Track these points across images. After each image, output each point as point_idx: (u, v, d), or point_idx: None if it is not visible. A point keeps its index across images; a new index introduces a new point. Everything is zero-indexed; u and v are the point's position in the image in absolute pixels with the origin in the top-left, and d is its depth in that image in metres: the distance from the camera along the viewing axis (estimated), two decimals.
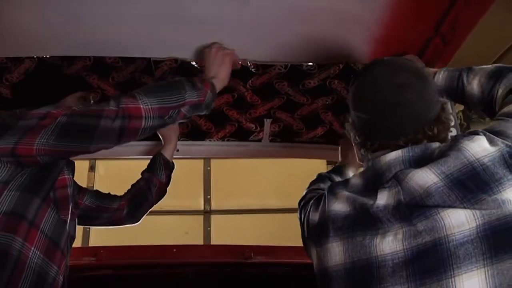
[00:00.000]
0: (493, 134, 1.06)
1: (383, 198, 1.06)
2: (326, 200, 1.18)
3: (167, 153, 1.95)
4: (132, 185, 1.93)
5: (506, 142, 1.02)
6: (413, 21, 1.49)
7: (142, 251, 2.20)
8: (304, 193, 1.53)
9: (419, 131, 1.13)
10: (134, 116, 1.27)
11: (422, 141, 1.12)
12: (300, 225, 1.32)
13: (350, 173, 1.81)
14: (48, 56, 1.63)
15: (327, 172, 1.82)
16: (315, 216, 1.21)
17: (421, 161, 1.07)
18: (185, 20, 1.48)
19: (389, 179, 1.08)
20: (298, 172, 5.24)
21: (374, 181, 1.12)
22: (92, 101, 1.71)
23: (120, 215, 1.83)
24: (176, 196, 5.44)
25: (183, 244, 2.13)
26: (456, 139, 1.07)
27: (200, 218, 5.60)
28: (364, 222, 1.07)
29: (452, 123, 1.64)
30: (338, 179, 1.78)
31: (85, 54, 1.65)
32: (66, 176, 1.34)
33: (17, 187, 1.20)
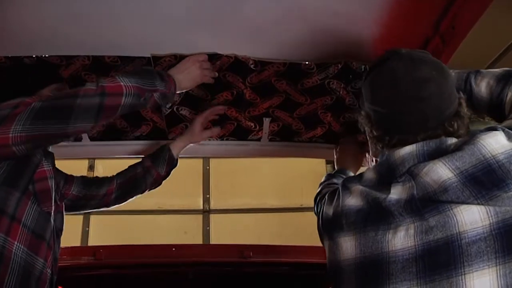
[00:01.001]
0: (510, 129, 1.04)
1: (396, 193, 1.05)
2: (340, 194, 1.17)
3: (175, 149, 1.93)
4: (129, 168, 1.89)
5: None
6: (412, 20, 1.49)
7: (141, 250, 2.20)
8: (319, 189, 1.54)
9: (439, 127, 1.11)
10: (114, 93, 1.29)
11: (441, 136, 1.10)
12: (317, 219, 1.31)
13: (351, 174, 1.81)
14: (47, 55, 1.63)
15: (335, 172, 1.82)
16: (329, 210, 1.20)
17: (435, 155, 1.05)
18: (185, 19, 1.48)
19: (402, 174, 1.07)
20: (297, 171, 5.27)
21: (387, 175, 1.10)
22: None
23: (108, 200, 1.81)
24: (175, 196, 5.46)
25: (182, 243, 2.13)
26: (472, 134, 1.05)
27: (199, 217, 5.61)
28: (377, 216, 1.06)
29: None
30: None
31: (84, 54, 1.64)
32: (45, 168, 1.33)
33: None
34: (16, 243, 1.19)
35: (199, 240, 5.45)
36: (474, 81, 1.29)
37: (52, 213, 1.34)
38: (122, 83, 1.31)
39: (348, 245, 1.10)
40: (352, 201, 1.13)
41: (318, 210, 1.31)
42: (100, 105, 1.26)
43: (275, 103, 1.94)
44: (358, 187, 1.14)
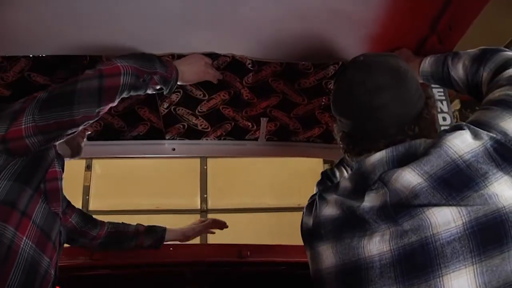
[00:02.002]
0: (478, 126, 1.03)
1: (369, 200, 1.05)
2: (317, 204, 1.18)
3: (169, 235, 2.05)
4: (122, 223, 1.98)
5: (491, 134, 1.00)
6: (409, 20, 1.49)
7: (139, 250, 2.19)
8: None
9: (399, 132, 1.11)
10: (112, 74, 1.31)
11: (404, 141, 1.10)
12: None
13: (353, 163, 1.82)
14: (44, 55, 1.63)
15: (334, 166, 1.83)
16: (309, 220, 1.21)
17: (405, 160, 1.05)
18: (182, 18, 1.47)
19: (375, 181, 1.07)
20: (294, 171, 5.27)
21: (361, 183, 1.10)
22: None
23: (94, 244, 1.87)
24: (173, 195, 5.46)
25: (180, 243, 2.13)
26: (439, 136, 1.05)
27: (197, 217, 5.60)
28: (352, 224, 1.06)
29: (448, 122, 1.65)
30: (342, 172, 1.81)
31: (81, 53, 1.64)
32: (56, 169, 1.35)
33: (8, 177, 1.22)
34: (24, 238, 1.20)
35: (196, 240, 5.44)
36: (451, 63, 1.29)
37: (60, 214, 1.35)
38: (119, 64, 1.33)
39: (327, 254, 1.10)
40: (329, 210, 1.13)
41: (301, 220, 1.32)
42: (100, 87, 1.29)
43: (272, 103, 1.95)
44: (333, 197, 1.15)
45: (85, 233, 1.81)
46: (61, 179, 1.38)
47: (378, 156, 1.09)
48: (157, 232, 2.01)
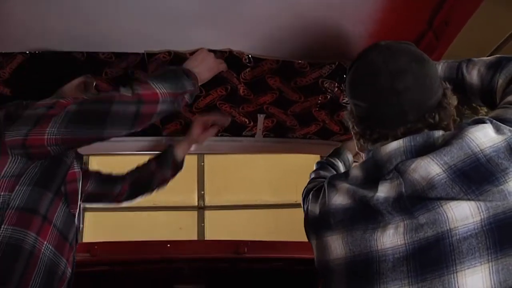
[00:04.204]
0: (500, 121, 1.01)
1: (384, 190, 1.02)
2: (326, 192, 1.15)
3: (179, 153, 1.95)
4: (137, 169, 1.92)
5: None
6: (405, 16, 1.49)
7: (136, 246, 2.20)
8: (307, 183, 1.50)
9: (420, 119, 1.08)
10: (150, 101, 1.29)
11: (423, 130, 1.07)
12: (304, 215, 1.28)
13: (349, 155, 1.80)
14: (40, 52, 1.62)
15: (327, 157, 1.82)
16: (315, 208, 1.17)
17: (423, 151, 1.02)
18: (179, 15, 1.47)
19: (390, 171, 1.04)
20: (292, 167, 5.27)
21: (374, 172, 1.07)
22: (94, 84, 1.63)
23: (120, 199, 1.84)
24: (170, 192, 5.42)
25: (177, 239, 2.13)
26: (460, 127, 1.03)
27: (194, 213, 5.61)
28: (365, 215, 1.04)
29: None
30: (338, 163, 1.79)
31: (78, 50, 1.64)
32: (76, 170, 1.34)
33: (29, 182, 1.21)
34: (45, 243, 1.20)
35: (193, 237, 5.45)
36: (465, 70, 1.27)
37: (76, 215, 1.35)
38: (157, 91, 1.30)
39: (336, 245, 1.07)
40: (339, 199, 1.10)
41: (304, 208, 1.29)
42: (136, 113, 1.26)
43: (269, 99, 1.95)
44: (344, 185, 1.11)
45: (106, 194, 1.78)
46: (80, 179, 1.37)
47: (395, 145, 1.06)
48: (168, 159, 1.93)
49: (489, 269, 0.90)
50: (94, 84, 1.57)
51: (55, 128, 1.21)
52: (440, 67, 1.33)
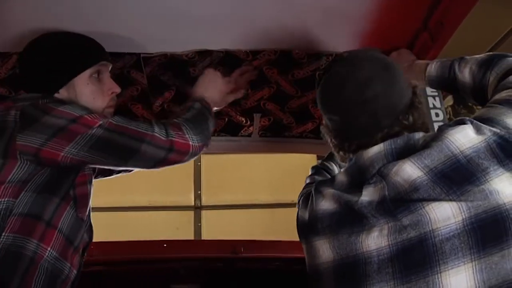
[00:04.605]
0: (481, 121, 1.02)
1: (367, 194, 1.04)
2: (314, 198, 1.16)
3: None
4: None
5: (494, 129, 0.99)
6: (400, 16, 1.50)
7: (133, 246, 2.19)
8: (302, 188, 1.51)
9: (394, 123, 1.09)
10: (182, 152, 1.27)
11: (401, 132, 1.09)
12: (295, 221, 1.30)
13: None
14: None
15: (322, 161, 1.83)
16: (304, 214, 1.19)
17: (404, 153, 1.03)
18: (176, 16, 1.47)
19: (373, 175, 1.05)
20: (288, 167, 5.28)
21: (358, 177, 1.09)
22: (110, 68, 1.49)
23: (112, 172, 1.75)
24: (167, 192, 5.46)
25: (174, 239, 2.13)
26: (440, 129, 1.04)
27: (191, 213, 5.61)
28: (350, 219, 1.05)
29: (441, 118, 1.66)
30: (333, 166, 1.80)
31: None
32: (86, 172, 1.29)
33: (35, 188, 1.16)
34: (49, 249, 1.16)
35: (190, 236, 5.45)
36: (458, 68, 1.28)
37: (85, 219, 1.30)
38: (190, 142, 1.28)
39: (324, 249, 1.09)
40: (326, 204, 1.12)
41: (296, 213, 1.30)
42: (163, 158, 1.24)
43: (266, 94, 1.94)
44: (330, 191, 1.13)
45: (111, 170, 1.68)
46: (91, 181, 1.32)
47: (376, 149, 1.07)
48: None
49: (473, 269, 0.91)
50: (110, 67, 1.49)
51: (75, 149, 1.17)
52: (433, 67, 1.34)
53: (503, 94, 1.10)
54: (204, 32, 1.57)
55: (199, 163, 5.60)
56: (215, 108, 1.54)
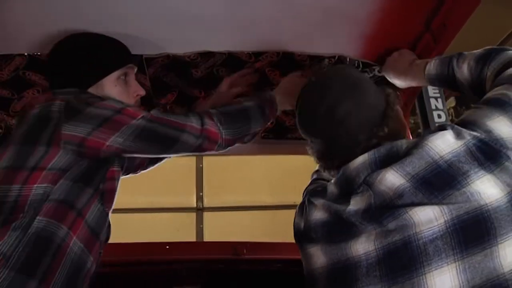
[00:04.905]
0: (463, 125, 1.04)
1: (355, 204, 1.07)
2: (307, 209, 1.21)
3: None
4: None
5: (474, 133, 1.01)
6: (403, 18, 1.50)
7: (135, 248, 2.19)
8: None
9: (371, 136, 1.14)
10: (212, 140, 1.33)
11: (380, 144, 1.12)
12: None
13: None
14: (39, 54, 1.62)
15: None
16: (300, 222, 1.24)
17: (388, 161, 1.06)
18: (178, 18, 1.47)
19: (359, 185, 1.09)
20: (290, 168, 5.27)
21: (346, 187, 1.12)
22: (135, 71, 1.53)
23: (140, 168, 1.82)
24: (169, 193, 5.46)
25: (176, 241, 2.12)
26: (422, 136, 1.07)
27: (193, 215, 5.61)
28: (340, 227, 1.09)
29: (443, 119, 1.65)
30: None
31: None
32: (115, 169, 1.33)
33: (73, 177, 1.20)
34: (75, 238, 1.19)
35: (192, 238, 5.45)
36: (456, 64, 1.29)
37: (109, 215, 1.35)
38: (220, 134, 1.35)
39: (317, 254, 1.13)
40: (318, 214, 1.16)
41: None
42: (199, 146, 1.31)
43: None
44: (321, 201, 1.17)
45: (127, 168, 1.70)
46: (119, 178, 1.37)
47: (360, 159, 1.11)
48: None
49: (456, 269, 0.92)
50: (136, 70, 1.53)
51: (122, 139, 1.22)
52: (432, 64, 1.35)
53: (493, 92, 1.11)
54: (207, 33, 1.57)
55: (201, 165, 5.60)
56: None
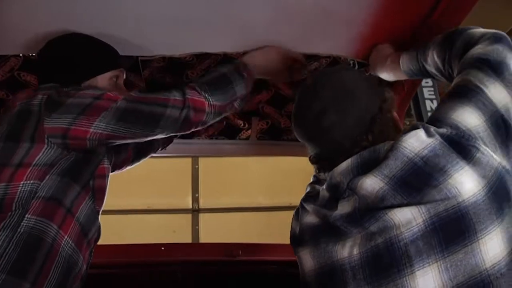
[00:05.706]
0: (431, 123, 1.05)
1: (341, 208, 1.08)
2: (300, 213, 1.24)
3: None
4: None
5: (441, 130, 1.02)
6: (400, 17, 1.50)
7: (130, 250, 2.19)
8: None
9: (354, 145, 1.14)
10: (198, 109, 1.30)
11: (364, 149, 1.12)
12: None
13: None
14: (34, 55, 1.62)
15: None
16: (296, 226, 1.25)
17: (369, 165, 1.07)
18: (173, 19, 1.47)
19: (344, 190, 1.09)
20: (286, 170, 5.27)
21: (334, 193, 1.13)
22: (124, 77, 1.54)
23: (126, 164, 1.79)
24: (164, 195, 5.44)
25: (171, 242, 2.12)
26: (396, 139, 1.07)
27: (188, 216, 5.59)
28: (327, 231, 1.11)
29: None
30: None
31: None
32: (105, 166, 1.32)
33: (59, 172, 1.19)
34: (66, 237, 1.17)
35: (188, 239, 5.43)
36: (422, 58, 1.30)
37: (99, 213, 1.34)
38: (205, 101, 1.32)
39: (307, 258, 1.15)
40: (309, 219, 1.18)
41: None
42: (185, 118, 1.28)
43: (264, 98, 1.94)
44: (312, 206, 1.19)
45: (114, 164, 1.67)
46: (108, 176, 1.35)
47: (344, 165, 1.12)
48: None
49: (438, 268, 0.93)
50: (124, 77, 1.54)
51: (104, 123, 1.20)
52: (404, 61, 1.37)
53: (457, 80, 1.11)
54: (202, 35, 1.57)
55: (197, 166, 5.59)
56: (265, 78, 1.58)
